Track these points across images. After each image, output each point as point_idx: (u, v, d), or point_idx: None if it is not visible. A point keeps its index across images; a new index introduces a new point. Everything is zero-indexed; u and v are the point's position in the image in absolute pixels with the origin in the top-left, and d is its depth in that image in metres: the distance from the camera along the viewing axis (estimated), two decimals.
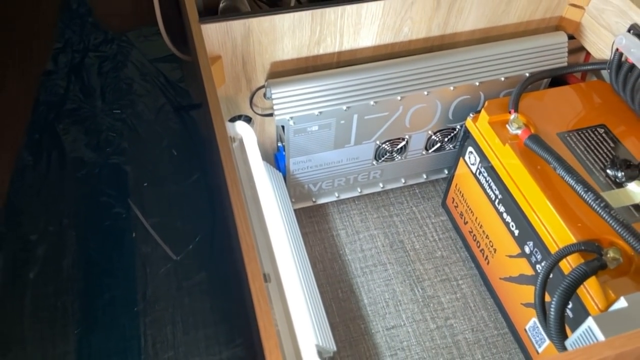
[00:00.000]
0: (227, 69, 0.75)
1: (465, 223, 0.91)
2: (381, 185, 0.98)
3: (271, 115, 0.80)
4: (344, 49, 0.79)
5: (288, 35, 0.74)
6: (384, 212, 1.00)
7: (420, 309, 0.87)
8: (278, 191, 0.85)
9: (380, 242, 0.96)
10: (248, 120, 0.86)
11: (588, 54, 0.87)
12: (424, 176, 1.00)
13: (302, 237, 0.95)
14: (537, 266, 0.72)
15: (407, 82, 0.80)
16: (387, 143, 0.89)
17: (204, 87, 0.60)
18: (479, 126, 0.81)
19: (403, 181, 0.99)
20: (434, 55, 0.81)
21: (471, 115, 0.82)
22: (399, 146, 0.90)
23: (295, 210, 0.98)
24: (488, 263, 0.86)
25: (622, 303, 0.48)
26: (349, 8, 0.74)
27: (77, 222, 0.95)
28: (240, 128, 0.67)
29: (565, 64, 0.85)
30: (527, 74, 0.84)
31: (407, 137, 0.89)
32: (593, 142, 0.76)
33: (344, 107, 0.79)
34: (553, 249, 0.68)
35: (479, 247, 0.88)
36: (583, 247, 0.63)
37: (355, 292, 0.89)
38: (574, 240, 0.65)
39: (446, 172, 1.00)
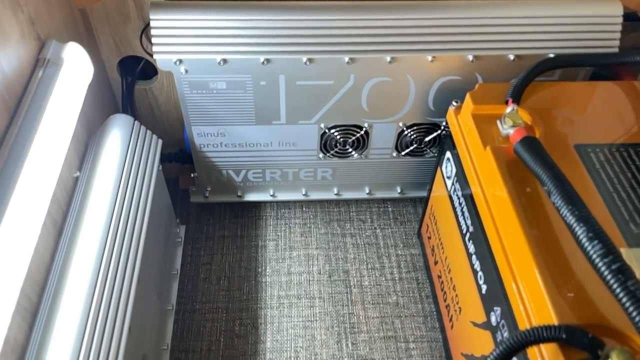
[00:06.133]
0: None
1: (436, 263, 0.64)
2: (336, 190, 0.72)
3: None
4: None
5: None
6: (335, 229, 0.74)
7: None
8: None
9: (318, 266, 0.70)
10: (154, 72, 0.63)
11: None
12: (398, 189, 0.73)
13: (217, 241, 0.71)
14: None
15: (361, 38, 0.54)
16: (338, 130, 0.63)
17: None
18: (461, 120, 0.54)
19: (367, 191, 0.72)
20: (409, 5, 0.55)
21: (454, 103, 0.55)
22: (354, 137, 0.64)
23: (217, 204, 0.75)
24: (452, 327, 0.58)
25: None
26: None
27: None
28: (66, 49, 0.44)
29: (616, 49, 0.56)
30: (551, 55, 0.55)
31: (365, 125, 0.63)
32: (633, 167, 0.46)
33: (261, 59, 0.54)
34: (522, 325, 0.40)
35: (445, 300, 0.60)
36: (564, 336, 0.34)
37: (259, 329, 0.63)
38: (554, 320, 0.36)
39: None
